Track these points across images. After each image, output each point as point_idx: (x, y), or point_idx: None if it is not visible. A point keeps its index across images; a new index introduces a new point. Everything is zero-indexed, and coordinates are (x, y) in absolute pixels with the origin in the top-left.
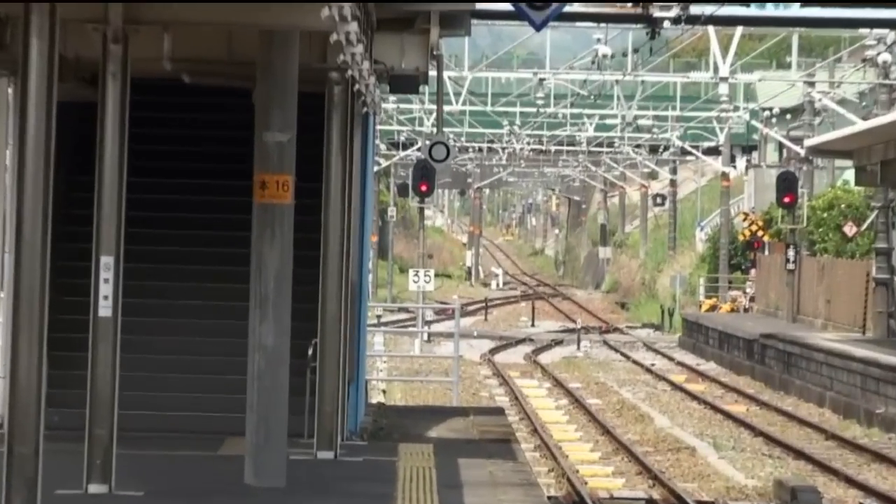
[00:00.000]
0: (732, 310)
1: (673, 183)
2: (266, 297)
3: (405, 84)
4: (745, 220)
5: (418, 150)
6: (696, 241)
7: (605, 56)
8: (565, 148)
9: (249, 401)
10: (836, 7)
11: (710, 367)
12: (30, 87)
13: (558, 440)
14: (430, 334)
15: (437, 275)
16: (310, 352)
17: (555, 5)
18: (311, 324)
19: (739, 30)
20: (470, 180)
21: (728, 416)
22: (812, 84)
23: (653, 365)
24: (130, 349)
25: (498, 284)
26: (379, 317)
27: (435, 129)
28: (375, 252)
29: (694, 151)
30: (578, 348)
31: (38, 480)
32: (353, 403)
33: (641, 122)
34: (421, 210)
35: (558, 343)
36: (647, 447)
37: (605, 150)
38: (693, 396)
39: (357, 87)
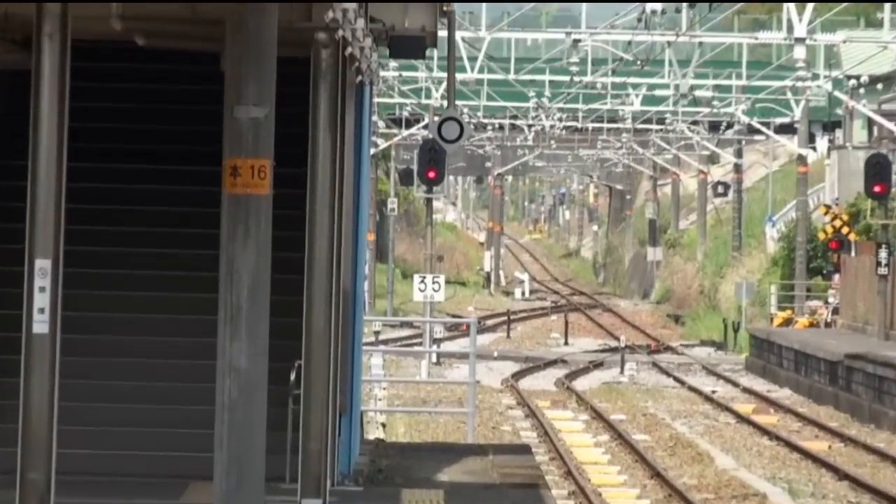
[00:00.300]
0: (811, 324)
1: (738, 168)
2: (238, 309)
3: (409, 47)
4: (826, 213)
5: (425, 127)
6: (766, 240)
7: (653, 13)
8: (605, 125)
9: (218, 437)
10: None
11: (783, 394)
12: None
13: (598, 485)
14: (439, 355)
15: (448, 281)
16: (292, 376)
17: None
18: (293, 342)
19: None
20: (488, 165)
21: (806, 454)
22: None
23: (714, 392)
24: (72, 374)
25: (523, 293)
26: (377, 333)
27: (445, 103)
28: (373, 254)
29: (764, 129)
30: (622, 372)
31: None
32: (345, 440)
33: (699, 93)
34: (428, 202)
35: (598, 366)
36: (706, 494)
37: (654, 127)
38: (763, 431)
39: (349, 50)
